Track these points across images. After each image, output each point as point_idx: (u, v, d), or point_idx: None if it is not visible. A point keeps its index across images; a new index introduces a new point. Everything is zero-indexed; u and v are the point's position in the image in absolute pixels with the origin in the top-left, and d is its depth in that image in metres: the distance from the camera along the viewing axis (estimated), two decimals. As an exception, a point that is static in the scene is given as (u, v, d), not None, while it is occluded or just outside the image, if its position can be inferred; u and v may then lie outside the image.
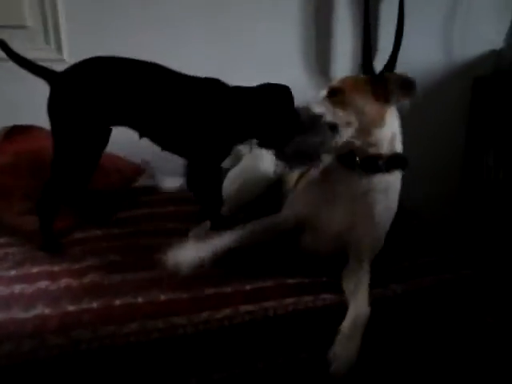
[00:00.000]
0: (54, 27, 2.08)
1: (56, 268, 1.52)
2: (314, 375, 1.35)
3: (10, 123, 2.07)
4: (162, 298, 1.37)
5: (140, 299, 1.36)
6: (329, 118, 1.46)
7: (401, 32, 2.25)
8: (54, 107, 1.51)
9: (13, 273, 1.49)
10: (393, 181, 1.54)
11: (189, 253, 1.41)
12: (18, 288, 1.41)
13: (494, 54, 2.50)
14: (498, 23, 2.46)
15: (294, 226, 1.58)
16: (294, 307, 1.38)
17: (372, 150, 1.50)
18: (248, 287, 1.44)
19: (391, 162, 1.50)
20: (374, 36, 2.35)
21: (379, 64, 2.33)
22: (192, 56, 2.15)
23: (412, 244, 1.72)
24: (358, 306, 1.37)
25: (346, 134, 1.47)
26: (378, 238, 1.54)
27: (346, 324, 1.34)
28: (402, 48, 2.29)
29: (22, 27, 2.06)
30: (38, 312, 1.30)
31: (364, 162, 1.49)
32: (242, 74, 2.21)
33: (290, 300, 1.39)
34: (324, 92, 1.53)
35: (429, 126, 2.52)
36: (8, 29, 2.02)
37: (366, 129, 1.48)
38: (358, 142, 1.49)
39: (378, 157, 1.49)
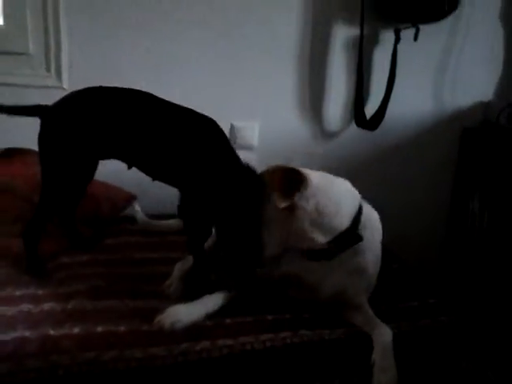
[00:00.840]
0: (55, 56, 2.12)
1: (40, 292, 1.53)
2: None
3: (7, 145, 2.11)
4: (144, 327, 1.38)
5: (122, 327, 1.38)
6: None
7: (392, 79, 2.32)
8: (43, 139, 1.56)
9: (-5, 294, 1.50)
10: (370, 238, 1.53)
11: (184, 315, 1.41)
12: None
13: (483, 105, 2.57)
14: (488, 75, 2.54)
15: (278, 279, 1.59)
16: (272, 343, 1.40)
17: (305, 246, 1.48)
18: (228, 321, 1.46)
19: (339, 245, 1.47)
20: (367, 81, 2.41)
21: (371, 108, 2.39)
22: (193, 91, 2.22)
23: (393, 288, 1.75)
24: (381, 331, 1.44)
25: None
26: (370, 287, 1.58)
27: (378, 352, 1.39)
28: (393, 96, 2.36)
29: (25, 54, 2.10)
30: (18, 335, 1.31)
31: (312, 253, 1.50)
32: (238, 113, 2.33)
33: (267, 336, 1.41)
34: None
35: (417, 173, 2.57)
36: (12, 55, 2.08)
37: (285, 228, 1.47)
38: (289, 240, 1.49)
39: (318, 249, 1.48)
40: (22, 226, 1.70)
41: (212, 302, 1.48)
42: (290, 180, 1.41)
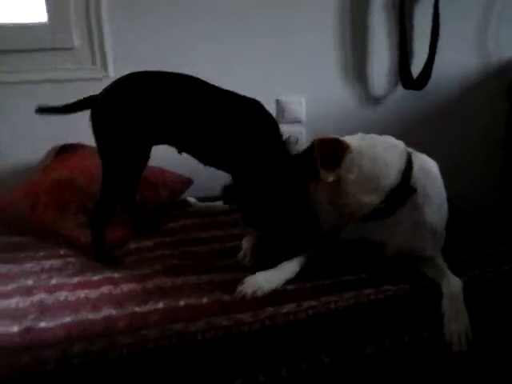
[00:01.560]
0: (99, 48, 2.13)
1: (116, 275, 1.54)
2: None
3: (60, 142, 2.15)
4: (226, 298, 1.39)
5: (204, 299, 1.38)
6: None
7: (436, 34, 2.26)
8: (97, 129, 1.57)
9: (76, 280, 1.52)
10: (429, 192, 1.49)
11: (264, 282, 1.41)
12: (82, 293, 1.43)
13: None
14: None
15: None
16: (356, 300, 1.39)
17: (361, 212, 1.47)
18: (308, 285, 1.46)
19: (393, 202, 1.45)
20: (410, 41, 2.36)
21: (416, 68, 2.34)
22: (238, 73, 2.21)
23: (466, 239, 1.72)
24: (450, 281, 1.43)
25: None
26: (437, 240, 1.54)
27: (446, 302, 1.40)
28: (436, 53, 2.30)
29: (70, 49, 2.12)
30: (106, 314, 1.33)
31: (366, 217, 1.47)
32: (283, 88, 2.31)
33: (349, 294, 1.41)
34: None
35: (466, 129, 2.51)
36: (57, 51, 2.11)
37: (339, 198, 1.48)
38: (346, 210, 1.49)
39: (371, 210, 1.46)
40: (85, 217, 1.78)
41: (289, 268, 1.48)
42: (331, 153, 1.43)
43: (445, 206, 1.56)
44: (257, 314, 1.33)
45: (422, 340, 1.42)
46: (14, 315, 1.33)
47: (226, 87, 2.19)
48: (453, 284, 1.43)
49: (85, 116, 1.97)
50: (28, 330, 1.26)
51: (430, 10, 2.29)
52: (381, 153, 1.45)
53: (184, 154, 1.66)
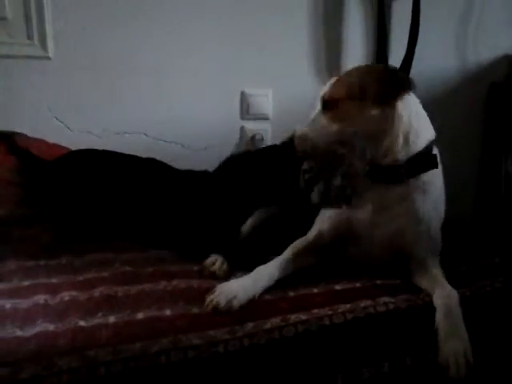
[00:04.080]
0: (38, 20, 1.83)
1: (54, 280, 1.25)
2: None
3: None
4: (194, 310, 1.14)
5: (167, 311, 1.12)
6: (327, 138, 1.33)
7: (416, 33, 2.09)
8: None
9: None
10: (430, 179, 1.35)
11: (239, 291, 1.17)
12: (8, 303, 1.13)
13: (508, 59, 2.37)
14: (510, 27, 2.35)
15: (331, 240, 1.40)
16: (353, 315, 1.15)
17: (387, 160, 1.31)
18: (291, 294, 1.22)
19: (413, 167, 1.31)
20: (386, 42, 2.19)
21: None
22: (200, 58, 2.02)
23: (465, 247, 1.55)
24: (444, 293, 1.23)
25: (357, 148, 1.32)
26: (432, 237, 1.36)
27: (440, 317, 1.18)
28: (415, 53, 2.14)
29: (2, 19, 1.80)
30: (40, 329, 1.03)
31: (382, 172, 1.32)
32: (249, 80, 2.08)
33: (345, 306, 1.17)
34: (318, 106, 1.37)
35: (444, 133, 2.35)
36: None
37: (372, 137, 1.30)
38: (369, 154, 1.32)
39: (396, 165, 1.31)
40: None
41: (267, 273, 1.25)
42: (394, 80, 1.29)
43: (441, 205, 1.42)
44: (234, 331, 1.06)
45: (426, 363, 1.19)
46: None
47: (187, 76, 1.99)
48: (447, 296, 1.23)
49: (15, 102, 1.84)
50: None
51: (408, 9, 2.11)
52: (424, 113, 1.37)
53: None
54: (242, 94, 2.10)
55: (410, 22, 2.12)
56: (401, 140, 1.29)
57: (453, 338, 1.15)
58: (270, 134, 2.15)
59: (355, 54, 2.21)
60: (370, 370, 1.14)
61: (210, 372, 1.03)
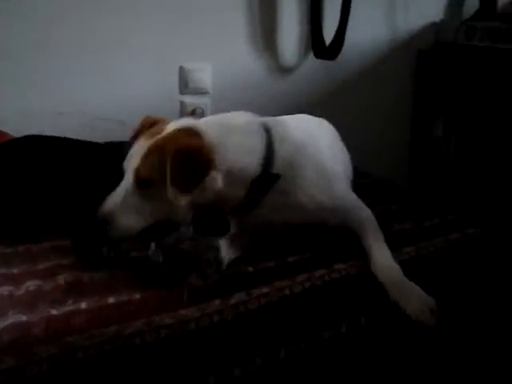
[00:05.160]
0: None
1: (15, 271, 1.25)
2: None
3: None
4: (162, 292, 1.17)
5: (136, 295, 1.16)
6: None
7: (348, 3, 2.16)
8: None
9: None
10: (294, 173, 1.32)
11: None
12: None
13: (435, 26, 2.49)
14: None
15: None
16: (310, 283, 1.24)
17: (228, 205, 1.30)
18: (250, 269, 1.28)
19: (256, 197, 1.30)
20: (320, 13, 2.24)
21: (327, 37, 2.23)
22: (136, 31, 2.00)
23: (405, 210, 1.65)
24: (375, 256, 1.29)
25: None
26: (337, 207, 1.39)
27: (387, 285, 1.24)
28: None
29: None
30: (12, 321, 1.05)
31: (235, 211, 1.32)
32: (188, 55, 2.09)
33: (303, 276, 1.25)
34: (129, 178, 1.21)
35: (376, 99, 2.47)
36: None
37: (199, 206, 1.25)
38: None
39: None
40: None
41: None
42: (191, 170, 1.16)
43: (332, 172, 1.41)
44: (203, 308, 1.12)
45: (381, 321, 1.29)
46: None
47: (124, 52, 1.97)
48: (380, 257, 1.29)
49: None
50: None
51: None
52: (241, 142, 1.26)
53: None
54: (181, 69, 2.10)
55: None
56: (224, 195, 1.25)
57: (407, 299, 1.21)
58: (209, 108, 2.17)
59: (290, 26, 2.26)
60: (329, 332, 1.23)
61: (183, 350, 1.08)
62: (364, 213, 1.43)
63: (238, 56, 2.18)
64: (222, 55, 2.15)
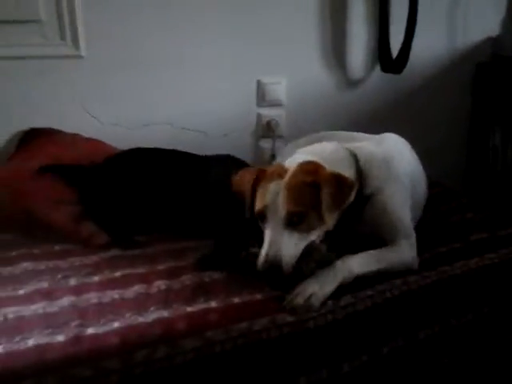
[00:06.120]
0: (70, 21, 1.91)
1: (141, 270, 1.41)
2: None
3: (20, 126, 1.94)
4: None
5: (257, 296, 1.30)
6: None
7: (414, 18, 2.26)
8: None
9: (97, 278, 1.36)
10: (378, 198, 1.47)
11: (317, 291, 1.28)
12: (115, 294, 1.29)
13: (493, 40, 2.58)
14: (496, 11, 2.55)
15: None
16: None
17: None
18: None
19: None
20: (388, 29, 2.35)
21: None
22: (217, 49, 2.13)
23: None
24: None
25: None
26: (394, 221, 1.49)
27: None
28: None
29: (36, 22, 1.88)
30: (157, 316, 1.20)
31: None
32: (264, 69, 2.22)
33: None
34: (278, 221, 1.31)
35: (435, 110, 2.57)
36: (21, 24, 1.87)
37: None
38: None
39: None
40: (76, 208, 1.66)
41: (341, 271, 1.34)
42: (342, 192, 1.34)
43: (405, 195, 1.53)
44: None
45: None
46: (50, 323, 1.16)
47: (206, 68, 2.12)
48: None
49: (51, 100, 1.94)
50: (77, 338, 1.11)
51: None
52: (346, 172, 1.39)
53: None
54: (258, 83, 2.24)
55: (406, 8, 2.28)
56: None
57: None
58: (284, 119, 2.30)
59: (359, 40, 2.37)
60: (424, 332, 1.37)
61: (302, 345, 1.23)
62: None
63: (310, 70, 2.30)
64: (296, 69, 2.27)
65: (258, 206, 1.34)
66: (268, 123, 2.28)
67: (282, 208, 1.29)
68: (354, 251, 1.38)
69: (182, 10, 2.05)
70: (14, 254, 1.50)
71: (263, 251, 1.28)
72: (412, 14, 2.28)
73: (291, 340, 1.22)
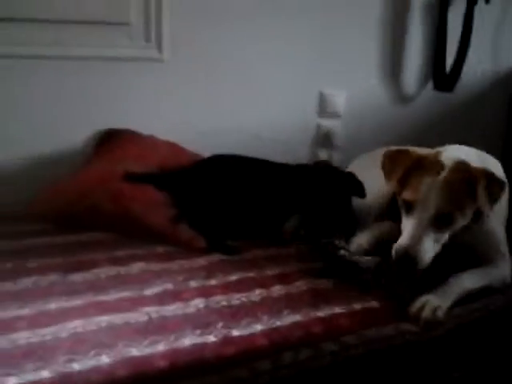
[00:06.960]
0: (156, 25, 1.97)
1: (252, 274, 1.49)
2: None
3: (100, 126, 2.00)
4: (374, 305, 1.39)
5: (357, 306, 1.37)
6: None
7: (468, 39, 2.38)
8: None
9: (213, 282, 1.43)
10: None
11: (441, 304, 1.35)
12: (241, 297, 1.36)
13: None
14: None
15: None
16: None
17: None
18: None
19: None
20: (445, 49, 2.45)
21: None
22: (286, 67, 2.22)
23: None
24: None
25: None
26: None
27: None
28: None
29: (125, 24, 1.93)
30: (289, 321, 1.28)
31: None
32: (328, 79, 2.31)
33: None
34: (428, 216, 1.37)
35: (476, 128, 2.65)
36: (111, 25, 1.92)
37: None
38: None
39: None
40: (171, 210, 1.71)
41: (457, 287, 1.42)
42: (496, 188, 1.42)
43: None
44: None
45: None
46: (195, 324, 1.24)
47: (274, 79, 2.19)
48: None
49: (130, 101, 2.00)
50: (226, 339, 1.19)
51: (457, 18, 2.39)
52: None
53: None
54: (320, 94, 2.33)
55: (457, 29, 2.40)
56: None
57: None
58: (340, 130, 2.39)
59: (414, 57, 2.47)
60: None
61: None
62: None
63: (368, 83, 2.40)
64: (355, 82, 2.36)
65: (410, 196, 1.40)
66: (326, 133, 2.37)
67: (432, 206, 1.36)
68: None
69: (257, 26, 2.14)
70: (121, 253, 1.55)
71: (402, 241, 1.37)
72: (466, 34, 2.39)
73: (414, 348, 1.32)
